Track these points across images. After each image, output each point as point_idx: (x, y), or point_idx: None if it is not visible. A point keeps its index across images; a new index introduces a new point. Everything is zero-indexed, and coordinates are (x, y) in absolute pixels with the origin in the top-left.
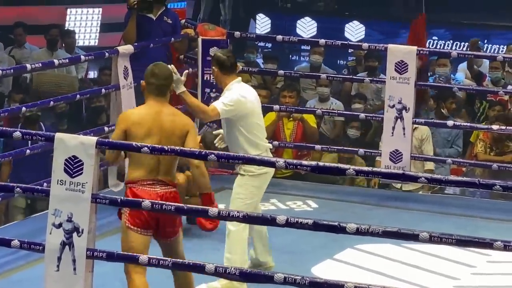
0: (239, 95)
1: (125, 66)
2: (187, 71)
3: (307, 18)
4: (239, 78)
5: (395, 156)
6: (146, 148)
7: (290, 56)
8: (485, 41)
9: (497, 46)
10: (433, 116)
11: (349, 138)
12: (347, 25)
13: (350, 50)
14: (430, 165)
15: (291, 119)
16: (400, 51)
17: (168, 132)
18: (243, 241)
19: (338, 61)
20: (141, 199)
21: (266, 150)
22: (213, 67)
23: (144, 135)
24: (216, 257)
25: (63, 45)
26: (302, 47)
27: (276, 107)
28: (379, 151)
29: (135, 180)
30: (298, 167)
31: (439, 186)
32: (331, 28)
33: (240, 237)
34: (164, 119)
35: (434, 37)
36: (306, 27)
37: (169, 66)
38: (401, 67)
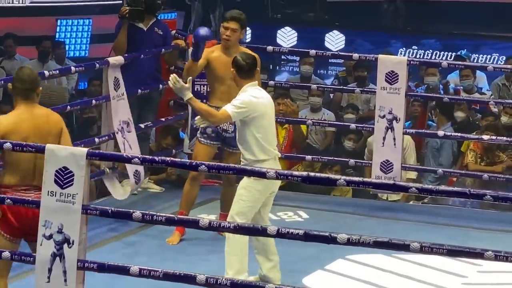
0: (250, 96)
1: (115, 77)
2: (191, 77)
3: (288, 28)
4: (255, 82)
5: (386, 166)
6: (136, 159)
7: (271, 66)
8: (465, 50)
9: (487, 56)
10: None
11: (345, 150)
12: (327, 34)
13: (330, 60)
14: (411, 174)
15: (285, 127)
16: (391, 61)
17: (46, 134)
18: (243, 246)
19: (318, 71)
20: (131, 210)
21: (275, 158)
22: (232, 69)
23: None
24: (207, 268)
25: (53, 56)
26: (281, 57)
27: None
28: (369, 162)
29: (9, 185)
30: (289, 177)
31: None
32: (311, 38)
33: (239, 240)
34: (39, 121)
35: (424, 47)
36: (287, 37)
37: (171, 75)
38: (391, 77)
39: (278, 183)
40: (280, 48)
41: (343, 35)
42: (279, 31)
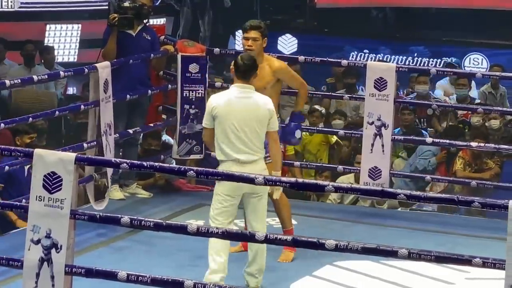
0: (210, 101)
1: (106, 79)
2: None
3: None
4: (239, 84)
5: (374, 173)
6: (125, 164)
7: None
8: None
9: (475, 63)
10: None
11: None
12: (280, 38)
13: None
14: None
15: None
16: (379, 68)
17: None
18: (219, 248)
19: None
20: (120, 216)
21: (238, 161)
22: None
23: None
24: (195, 274)
25: (42, 61)
26: None
27: None
28: (358, 168)
29: None
30: (277, 183)
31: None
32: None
33: (214, 242)
34: None
35: (412, 54)
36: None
37: None
38: (380, 84)
39: (248, 185)
40: (270, 54)
41: (295, 39)
42: (237, 33)
